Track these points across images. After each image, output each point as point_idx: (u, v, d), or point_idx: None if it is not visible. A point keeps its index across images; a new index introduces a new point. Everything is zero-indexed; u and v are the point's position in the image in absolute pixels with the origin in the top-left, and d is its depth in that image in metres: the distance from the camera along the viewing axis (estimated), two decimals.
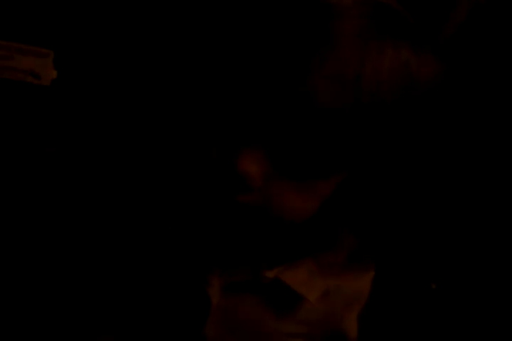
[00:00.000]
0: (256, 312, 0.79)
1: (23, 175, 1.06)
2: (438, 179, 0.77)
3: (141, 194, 0.86)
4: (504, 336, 1.00)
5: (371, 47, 0.62)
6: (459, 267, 1.06)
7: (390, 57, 0.63)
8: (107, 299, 0.81)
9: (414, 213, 0.80)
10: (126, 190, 0.88)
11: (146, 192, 0.86)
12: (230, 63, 0.68)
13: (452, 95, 0.70)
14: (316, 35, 0.62)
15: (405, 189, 0.73)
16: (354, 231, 0.77)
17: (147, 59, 1.15)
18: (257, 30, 0.65)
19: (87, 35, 1.15)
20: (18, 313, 0.85)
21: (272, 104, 0.64)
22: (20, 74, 1.15)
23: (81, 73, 1.15)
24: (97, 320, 0.82)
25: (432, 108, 0.68)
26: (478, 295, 1.04)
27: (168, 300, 0.79)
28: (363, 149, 0.65)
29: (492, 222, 1.12)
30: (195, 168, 0.74)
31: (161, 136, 0.96)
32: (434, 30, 1.09)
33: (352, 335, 0.79)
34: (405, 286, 0.84)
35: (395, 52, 0.64)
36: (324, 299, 0.78)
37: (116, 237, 0.82)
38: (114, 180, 0.92)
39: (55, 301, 0.83)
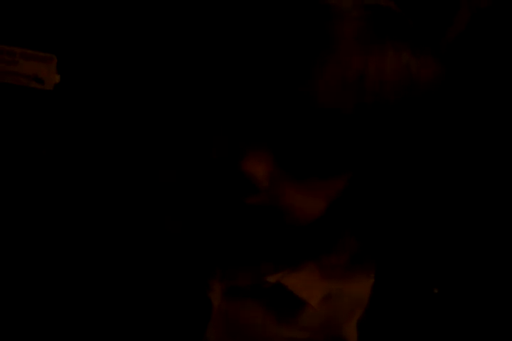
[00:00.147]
0: (257, 316, 0.79)
1: (26, 178, 1.06)
2: (439, 180, 0.77)
3: (142, 195, 0.86)
4: None
5: (372, 49, 0.63)
6: (461, 271, 1.06)
7: (391, 58, 0.64)
8: (107, 301, 0.80)
9: (416, 217, 0.80)
10: (127, 191, 0.88)
11: (147, 194, 0.86)
12: (233, 66, 0.68)
13: (453, 96, 0.70)
14: (317, 38, 0.62)
15: (407, 191, 0.73)
16: (356, 234, 0.77)
17: (150, 63, 1.15)
18: (259, 34, 0.66)
19: (89, 40, 1.15)
20: (18, 313, 0.85)
21: (276, 106, 0.64)
22: (24, 79, 1.15)
23: (84, 78, 1.16)
24: (97, 321, 0.82)
25: (433, 108, 0.68)
26: (480, 300, 1.03)
27: (169, 303, 0.79)
28: (367, 148, 0.65)
29: (493, 228, 1.11)
30: (196, 169, 0.74)
31: (162, 137, 0.96)
32: (437, 33, 1.09)
33: (352, 340, 0.79)
34: (407, 290, 0.83)
35: (396, 54, 0.64)
36: (326, 303, 0.77)
37: (117, 239, 0.82)
38: (116, 181, 0.92)
39: (55, 302, 0.83)
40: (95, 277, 0.82)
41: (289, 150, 0.65)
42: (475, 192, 1.12)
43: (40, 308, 0.84)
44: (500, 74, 1.13)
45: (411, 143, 0.68)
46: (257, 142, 0.66)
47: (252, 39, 0.66)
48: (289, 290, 0.76)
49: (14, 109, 1.15)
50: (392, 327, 0.80)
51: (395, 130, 0.65)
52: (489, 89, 1.13)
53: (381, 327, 0.80)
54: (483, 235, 1.11)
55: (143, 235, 0.81)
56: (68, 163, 1.07)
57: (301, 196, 0.67)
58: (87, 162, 1.06)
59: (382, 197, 0.71)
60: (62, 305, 0.83)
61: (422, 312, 0.84)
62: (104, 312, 0.80)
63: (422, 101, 0.66)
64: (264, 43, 0.64)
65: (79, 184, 0.99)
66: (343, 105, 0.62)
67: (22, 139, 1.13)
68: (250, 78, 0.65)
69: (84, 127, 1.14)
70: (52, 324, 0.83)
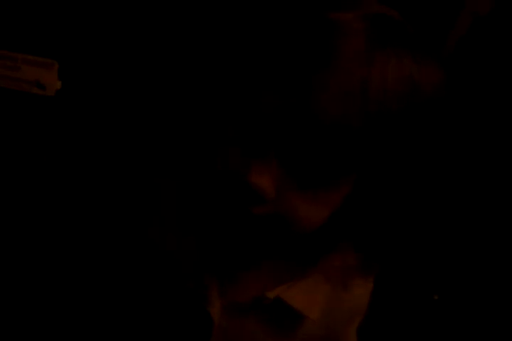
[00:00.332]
0: (257, 331, 0.79)
1: (27, 183, 1.06)
2: (441, 186, 0.77)
3: (144, 204, 0.86)
4: None
5: (374, 59, 0.63)
6: (461, 278, 1.06)
7: (393, 67, 0.64)
8: (106, 316, 0.80)
9: (415, 224, 0.80)
10: (128, 200, 0.88)
11: (149, 203, 0.86)
12: (238, 78, 0.69)
13: (455, 102, 0.71)
14: (319, 52, 0.63)
15: (408, 197, 0.73)
16: (355, 241, 0.77)
17: (152, 70, 1.15)
18: (262, 49, 0.66)
19: (91, 46, 1.15)
20: (18, 313, 0.85)
21: (281, 118, 0.64)
22: (25, 85, 1.16)
23: (85, 84, 1.16)
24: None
25: (436, 114, 0.69)
26: (480, 306, 1.04)
27: (169, 318, 0.79)
28: (371, 156, 0.66)
29: (494, 234, 1.12)
30: (200, 178, 0.74)
31: (165, 145, 0.96)
32: (438, 40, 1.09)
33: None
34: (406, 297, 0.83)
35: (398, 62, 0.65)
36: (325, 313, 0.78)
37: (116, 250, 0.83)
38: (117, 189, 0.92)
39: (48, 308, 0.83)
40: (93, 290, 0.82)
41: (295, 161, 0.66)
42: (476, 199, 1.12)
43: (33, 313, 0.84)
44: (501, 80, 1.13)
45: (414, 149, 0.68)
46: (262, 153, 0.66)
47: (256, 53, 0.66)
48: (288, 305, 0.76)
49: (15, 114, 1.15)
50: (392, 334, 0.80)
51: (398, 137, 0.66)
52: (490, 95, 1.14)
53: (381, 334, 0.80)
54: (483, 241, 1.11)
55: (143, 245, 0.81)
56: (69, 169, 1.07)
57: (307, 205, 0.67)
58: (88, 168, 1.06)
59: (383, 203, 0.72)
60: (57, 312, 0.83)
61: (422, 318, 0.84)
62: (103, 326, 0.80)
63: (425, 108, 0.67)
64: (268, 57, 0.65)
65: (80, 189, 0.99)
66: (348, 115, 0.62)
67: (23, 145, 1.14)
68: (255, 91, 0.66)
69: (86, 133, 1.14)
70: (46, 328, 0.83)
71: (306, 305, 0.77)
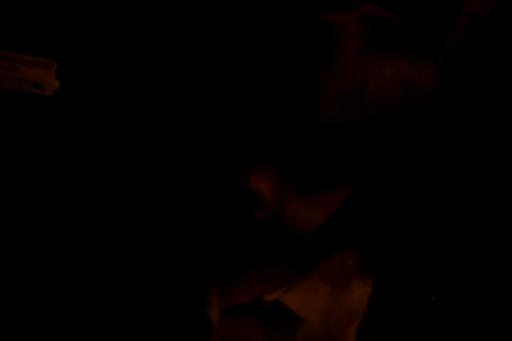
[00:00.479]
0: (256, 334, 0.79)
1: (24, 183, 1.06)
2: (440, 188, 0.77)
3: (143, 205, 0.86)
4: None
5: (371, 62, 0.63)
6: (458, 279, 1.06)
7: (390, 69, 0.64)
8: (105, 316, 0.80)
9: (414, 225, 0.80)
10: (128, 201, 0.88)
11: (149, 204, 0.86)
12: (236, 82, 0.69)
13: (453, 105, 0.71)
14: (317, 55, 0.63)
15: (406, 199, 0.73)
16: (354, 243, 0.77)
17: (151, 70, 1.15)
18: (259, 52, 0.66)
19: (89, 46, 1.15)
20: (18, 313, 0.85)
21: (279, 122, 0.64)
22: (24, 85, 1.15)
23: (84, 84, 1.16)
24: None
25: (434, 117, 0.68)
26: (478, 307, 1.04)
27: (168, 320, 0.79)
28: (369, 158, 0.66)
29: (492, 236, 1.12)
30: (200, 178, 0.74)
31: (164, 146, 0.96)
32: (436, 42, 1.09)
33: None
34: (405, 298, 0.83)
35: (395, 65, 0.65)
36: (325, 315, 0.78)
37: (115, 250, 0.82)
38: (117, 189, 0.92)
39: (46, 310, 0.84)
40: (93, 290, 0.82)
41: (294, 164, 0.66)
42: (474, 200, 1.12)
43: (33, 313, 0.84)
44: (499, 83, 1.13)
45: (412, 151, 0.68)
46: (262, 156, 0.66)
47: (255, 56, 0.66)
48: (287, 308, 0.76)
49: (13, 114, 1.15)
50: (391, 334, 0.80)
51: (396, 139, 0.66)
52: (488, 98, 1.14)
53: (380, 335, 0.80)
54: (481, 244, 1.11)
55: (143, 246, 0.81)
56: (68, 170, 1.07)
57: (305, 208, 0.68)
58: (88, 168, 1.06)
59: (382, 204, 0.72)
60: (57, 312, 0.83)
61: (420, 319, 0.84)
62: (103, 327, 0.80)
63: (422, 109, 0.67)
64: (266, 60, 0.65)
65: (79, 190, 0.99)
66: (346, 117, 0.62)
67: (21, 145, 1.13)
68: (253, 95, 0.66)
69: (84, 133, 1.14)
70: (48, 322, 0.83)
71: (305, 307, 0.77)
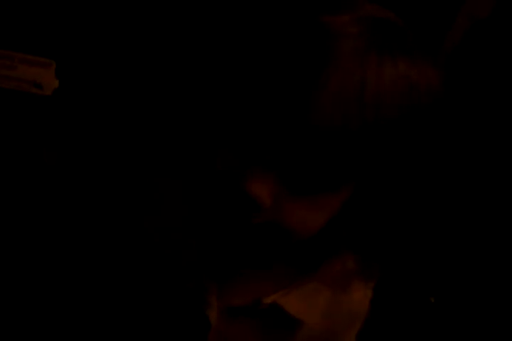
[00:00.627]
0: (254, 336, 0.79)
1: (24, 182, 1.06)
2: (440, 189, 0.77)
3: (143, 204, 0.86)
4: None
5: (371, 63, 0.63)
6: (458, 280, 1.06)
7: (389, 70, 0.64)
8: (104, 316, 0.80)
9: (413, 227, 0.80)
10: (127, 200, 0.88)
11: (148, 203, 0.86)
12: (234, 86, 0.68)
13: (453, 106, 0.70)
14: (316, 57, 0.63)
15: (405, 202, 0.73)
16: (354, 246, 0.77)
17: (150, 69, 1.15)
18: (260, 53, 0.66)
19: (88, 45, 1.15)
20: (18, 313, 0.85)
21: (279, 123, 0.64)
22: (23, 84, 1.15)
23: (83, 83, 1.16)
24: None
25: (434, 117, 0.68)
26: (477, 308, 1.03)
27: (167, 319, 0.79)
28: (369, 161, 0.65)
29: (492, 237, 1.12)
30: (200, 178, 0.74)
31: (164, 145, 0.96)
32: (436, 43, 1.09)
33: None
34: (404, 300, 0.83)
35: (395, 66, 0.64)
36: (325, 318, 0.78)
37: (115, 249, 0.82)
38: (116, 188, 0.92)
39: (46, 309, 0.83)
40: (92, 291, 0.82)
41: (293, 169, 0.65)
42: (473, 203, 1.12)
43: (33, 313, 0.84)
44: (499, 84, 1.13)
45: (412, 153, 0.68)
46: (260, 161, 0.66)
47: (254, 58, 0.66)
48: (285, 311, 0.76)
49: (12, 114, 1.15)
50: (391, 337, 0.80)
51: (396, 140, 0.66)
52: (488, 98, 1.13)
53: (380, 338, 0.80)
54: (480, 245, 1.11)
55: (143, 247, 0.81)
56: (67, 169, 1.07)
57: (304, 212, 0.68)
58: (87, 167, 1.06)
59: (381, 208, 0.72)
60: (56, 311, 0.83)
61: (420, 321, 0.84)
62: (102, 326, 0.80)
63: (423, 110, 0.67)
64: (265, 62, 0.65)
65: (78, 189, 0.99)
66: (345, 119, 0.62)
67: (21, 144, 1.13)
68: (252, 96, 0.65)
69: (84, 132, 1.14)
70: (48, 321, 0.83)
71: (304, 310, 0.77)
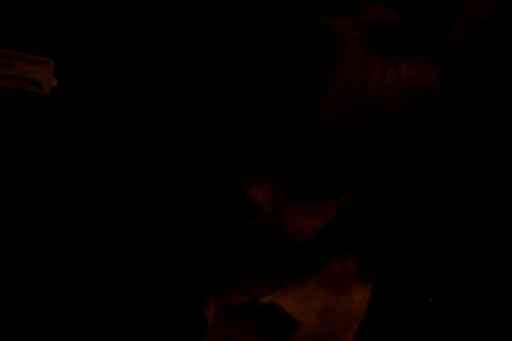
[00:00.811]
0: (251, 336, 0.79)
1: (23, 181, 1.06)
2: (438, 190, 0.77)
3: (143, 203, 0.86)
4: None
5: (372, 64, 0.63)
6: (456, 280, 1.06)
7: (391, 72, 0.64)
8: (103, 315, 0.80)
9: (412, 228, 0.80)
10: (127, 198, 0.88)
11: (148, 201, 0.86)
12: (237, 91, 0.68)
13: (454, 107, 0.70)
14: (318, 61, 0.63)
15: (404, 204, 0.73)
16: (352, 248, 0.77)
17: (149, 67, 1.15)
18: (261, 55, 0.66)
19: (87, 44, 1.15)
20: (18, 313, 0.85)
21: (279, 126, 0.64)
22: (21, 83, 1.15)
23: (81, 81, 1.16)
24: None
25: (434, 120, 0.68)
26: (475, 308, 1.04)
27: (165, 319, 0.79)
28: (370, 165, 0.65)
29: (490, 238, 1.12)
30: (200, 182, 0.74)
31: (163, 142, 0.96)
32: (436, 43, 1.09)
33: None
34: (403, 300, 0.84)
35: (396, 67, 0.64)
36: (323, 319, 0.78)
37: (114, 250, 0.82)
38: (115, 188, 0.92)
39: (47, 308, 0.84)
40: (91, 290, 0.82)
41: (292, 174, 0.65)
42: (473, 206, 1.12)
43: (32, 313, 0.84)
44: (499, 84, 1.13)
45: (413, 153, 0.68)
46: (260, 165, 0.66)
47: (255, 60, 0.66)
48: (282, 310, 0.76)
49: (11, 112, 1.15)
50: (390, 337, 0.81)
51: (397, 142, 0.65)
52: (488, 98, 1.13)
53: (379, 338, 0.80)
54: (479, 246, 1.11)
55: (141, 246, 0.81)
56: (66, 167, 1.07)
57: (302, 216, 0.67)
58: (85, 166, 1.05)
59: (381, 209, 0.72)
60: (56, 311, 0.83)
61: (418, 320, 0.84)
62: (100, 325, 0.80)
63: (423, 111, 0.67)
64: (266, 65, 0.65)
65: (77, 188, 0.99)
66: (345, 121, 0.62)
67: (19, 143, 1.13)
68: (253, 97, 0.65)
69: (82, 131, 1.14)
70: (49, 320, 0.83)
71: (301, 310, 0.77)
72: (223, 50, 0.72)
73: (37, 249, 0.88)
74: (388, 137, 0.65)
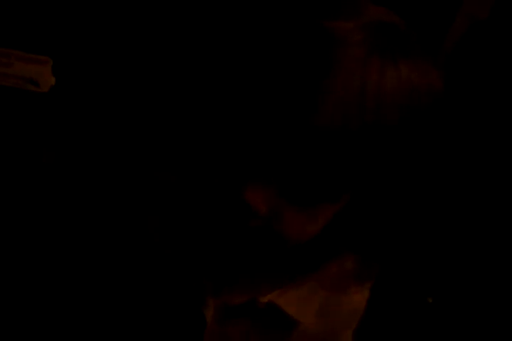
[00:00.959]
0: (250, 336, 0.79)
1: (22, 179, 1.06)
2: (438, 190, 0.77)
3: (141, 205, 0.86)
4: None
5: (373, 66, 0.63)
6: (455, 281, 1.06)
7: (391, 73, 0.64)
8: (103, 314, 0.80)
9: (411, 228, 0.80)
10: (126, 198, 0.88)
11: (146, 203, 0.86)
12: (236, 94, 0.68)
13: (454, 108, 0.70)
14: (320, 62, 0.63)
15: (403, 205, 0.73)
16: (352, 248, 0.77)
17: (149, 68, 1.15)
18: (261, 58, 0.66)
19: (85, 43, 1.15)
20: (18, 313, 0.85)
21: (279, 127, 0.64)
22: (19, 81, 1.15)
23: (79, 80, 1.15)
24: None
25: (435, 122, 0.68)
26: (475, 309, 1.04)
27: (165, 318, 0.79)
28: (369, 168, 0.65)
29: (490, 238, 1.12)
30: (200, 182, 0.74)
31: (162, 141, 0.96)
32: (436, 43, 1.09)
33: None
34: (402, 300, 0.84)
35: (396, 69, 0.64)
36: (322, 318, 0.78)
37: (113, 249, 0.82)
38: (114, 188, 0.92)
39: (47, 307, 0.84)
40: (91, 289, 0.82)
41: (292, 178, 0.65)
42: (472, 206, 1.13)
43: (32, 312, 0.84)
44: (498, 84, 1.13)
45: (413, 155, 0.68)
46: (258, 171, 0.66)
47: (255, 63, 0.66)
48: (281, 309, 0.76)
49: (9, 111, 1.15)
50: (388, 337, 0.81)
51: (397, 144, 0.65)
52: (488, 98, 1.14)
53: (377, 337, 0.80)
54: (478, 246, 1.11)
55: (141, 246, 0.81)
56: (65, 166, 1.07)
57: (300, 219, 0.68)
58: (84, 164, 1.05)
59: (380, 211, 0.72)
60: (56, 311, 0.83)
61: (417, 321, 0.84)
62: (99, 324, 0.80)
63: (423, 111, 0.67)
64: (267, 68, 0.65)
65: (76, 186, 0.99)
66: (345, 122, 0.62)
67: (18, 141, 1.13)
68: (253, 99, 0.65)
69: (81, 129, 1.14)
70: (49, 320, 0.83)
71: (300, 310, 0.77)
72: (224, 51, 0.72)
73: (37, 248, 0.88)
74: (388, 137, 0.65)
